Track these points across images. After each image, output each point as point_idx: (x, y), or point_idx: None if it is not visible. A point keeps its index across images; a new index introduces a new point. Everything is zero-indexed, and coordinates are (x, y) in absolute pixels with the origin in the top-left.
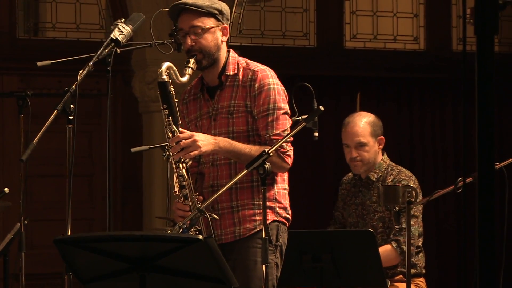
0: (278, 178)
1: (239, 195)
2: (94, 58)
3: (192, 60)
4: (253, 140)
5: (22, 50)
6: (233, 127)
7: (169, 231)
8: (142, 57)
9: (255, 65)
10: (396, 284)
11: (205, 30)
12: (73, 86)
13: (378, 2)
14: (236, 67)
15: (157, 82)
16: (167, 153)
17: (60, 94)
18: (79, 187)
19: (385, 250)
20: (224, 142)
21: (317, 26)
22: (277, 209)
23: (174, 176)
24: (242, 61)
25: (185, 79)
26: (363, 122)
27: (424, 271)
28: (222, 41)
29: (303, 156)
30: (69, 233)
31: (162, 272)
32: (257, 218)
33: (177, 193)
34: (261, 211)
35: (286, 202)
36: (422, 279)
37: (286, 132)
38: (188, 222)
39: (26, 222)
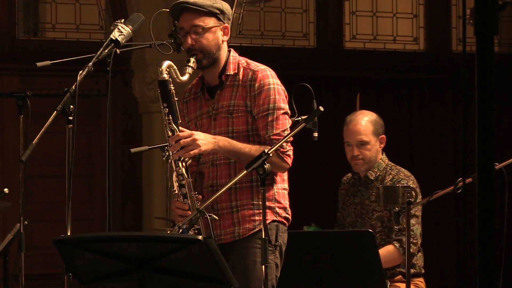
0: (278, 178)
1: (239, 195)
2: (93, 59)
3: (192, 59)
4: (253, 140)
5: (21, 51)
6: (233, 126)
7: (168, 232)
8: (142, 58)
9: (255, 65)
10: (396, 284)
11: (206, 30)
12: (73, 86)
13: (378, 2)
14: (236, 66)
15: (157, 81)
16: (167, 153)
17: (60, 94)
18: (79, 187)
19: (387, 250)
20: (223, 141)
21: (317, 27)
22: (277, 209)
23: (174, 175)
24: (243, 60)
25: (185, 78)
26: (365, 121)
27: (423, 271)
28: (223, 41)
29: (302, 156)
30: (68, 234)
31: (161, 273)
32: (257, 218)
33: (177, 192)
34: (261, 211)
35: (286, 202)
36: (421, 279)
37: (286, 132)
38: (188, 222)
39: (26, 222)
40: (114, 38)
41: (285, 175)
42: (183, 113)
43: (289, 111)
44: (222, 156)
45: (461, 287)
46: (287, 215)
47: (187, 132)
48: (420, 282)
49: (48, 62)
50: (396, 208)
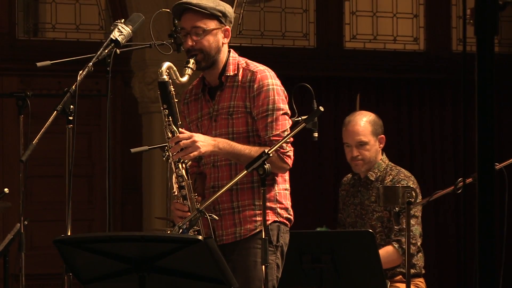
0: (279, 179)
1: (240, 196)
2: (93, 59)
3: (192, 61)
4: (253, 141)
5: (21, 51)
6: (233, 128)
7: (168, 232)
8: (142, 58)
9: (254, 66)
10: (396, 284)
11: (207, 32)
12: (73, 86)
13: (378, 2)
14: (236, 67)
15: (157, 82)
16: (167, 153)
17: (60, 94)
18: (79, 187)
19: (386, 251)
20: (223, 143)
21: (317, 27)
22: (278, 209)
23: (173, 176)
24: (242, 61)
25: (185, 79)
26: (363, 121)
27: (423, 271)
28: (223, 43)
29: (303, 156)
30: (69, 234)
31: (161, 273)
32: (258, 218)
33: (176, 193)
34: (262, 211)
35: (288, 203)
36: (421, 279)
37: (286, 133)
38: (188, 222)
39: (26, 222)
40: (114, 38)
41: (287, 176)
42: (184, 114)
43: (289, 112)
44: (223, 157)
45: (461, 287)
46: (289, 216)
47: (187, 134)
48: (421, 282)
49: (48, 62)
50: (396, 208)
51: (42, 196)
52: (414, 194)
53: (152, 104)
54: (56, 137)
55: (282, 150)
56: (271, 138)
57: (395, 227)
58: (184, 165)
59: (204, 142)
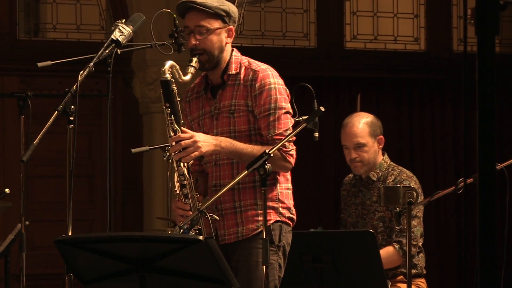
0: (281, 178)
1: (242, 195)
2: (94, 59)
3: (195, 59)
4: (255, 139)
5: (22, 51)
6: (235, 126)
7: (169, 232)
8: (143, 58)
9: (256, 65)
10: (397, 284)
11: (211, 31)
12: (74, 87)
13: (379, 2)
14: (238, 66)
15: (160, 81)
16: (168, 153)
17: (61, 95)
18: (80, 187)
19: (387, 252)
20: (225, 142)
21: (318, 27)
22: (280, 209)
23: (175, 175)
24: (245, 60)
25: (187, 78)
26: (361, 123)
27: (424, 272)
28: (226, 43)
29: (303, 156)
30: (69, 234)
31: (162, 273)
32: (260, 218)
33: (178, 192)
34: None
35: (290, 202)
36: (422, 280)
37: (288, 132)
38: (189, 223)
39: (27, 222)
40: (115, 39)
41: (289, 175)
42: (186, 112)
43: (291, 110)
44: (225, 156)
45: None
46: (291, 215)
47: (188, 133)
48: (422, 282)
49: (49, 63)
50: (397, 208)
51: (43, 196)
52: (415, 194)
53: (152, 104)
54: (57, 137)
55: (284, 149)
56: (274, 137)
57: (396, 227)
58: (185, 164)
59: (205, 142)
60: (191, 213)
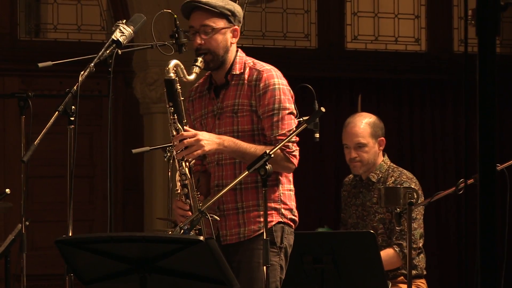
0: (284, 179)
1: (244, 196)
2: (95, 59)
3: (200, 59)
4: (258, 139)
5: (23, 51)
6: (238, 126)
7: (170, 232)
8: (143, 58)
9: (261, 65)
10: (398, 285)
11: (216, 31)
12: (74, 87)
13: (380, 3)
14: (242, 66)
15: (164, 80)
16: (169, 153)
17: (61, 95)
18: (80, 188)
19: (387, 254)
20: (229, 141)
21: (318, 28)
22: (282, 210)
23: (177, 174)
24: (249, 60)
25: (192, 77)
26: (363, 123)
27: (425, 273)
28: (231, 43)
29: (304, 157)
30: (70, 234)
31: (163, 273)
32: (262, 219)
33: (179, 191)
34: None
35: (292, 203)
36: (423, 281)
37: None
38: (189, 223)
39: (27, 223)
40: (115, 39)
41: (291, 176)
42: (189, 111)
43: (295, 111)
44: (228, 156)
45: None
46: (293, 217)
47: (191, 132)
48: (422, 283)
49: (49, 63)
50: (398, 209)
51: (43, 197)
52: (415, 195)
53: (153, 104)
54: (57, 138)
55: (288, 150)
56: (277, 137)
57: (396, 228)
58: (187, 163)
59: (209, 141)
60: (190, 213)
